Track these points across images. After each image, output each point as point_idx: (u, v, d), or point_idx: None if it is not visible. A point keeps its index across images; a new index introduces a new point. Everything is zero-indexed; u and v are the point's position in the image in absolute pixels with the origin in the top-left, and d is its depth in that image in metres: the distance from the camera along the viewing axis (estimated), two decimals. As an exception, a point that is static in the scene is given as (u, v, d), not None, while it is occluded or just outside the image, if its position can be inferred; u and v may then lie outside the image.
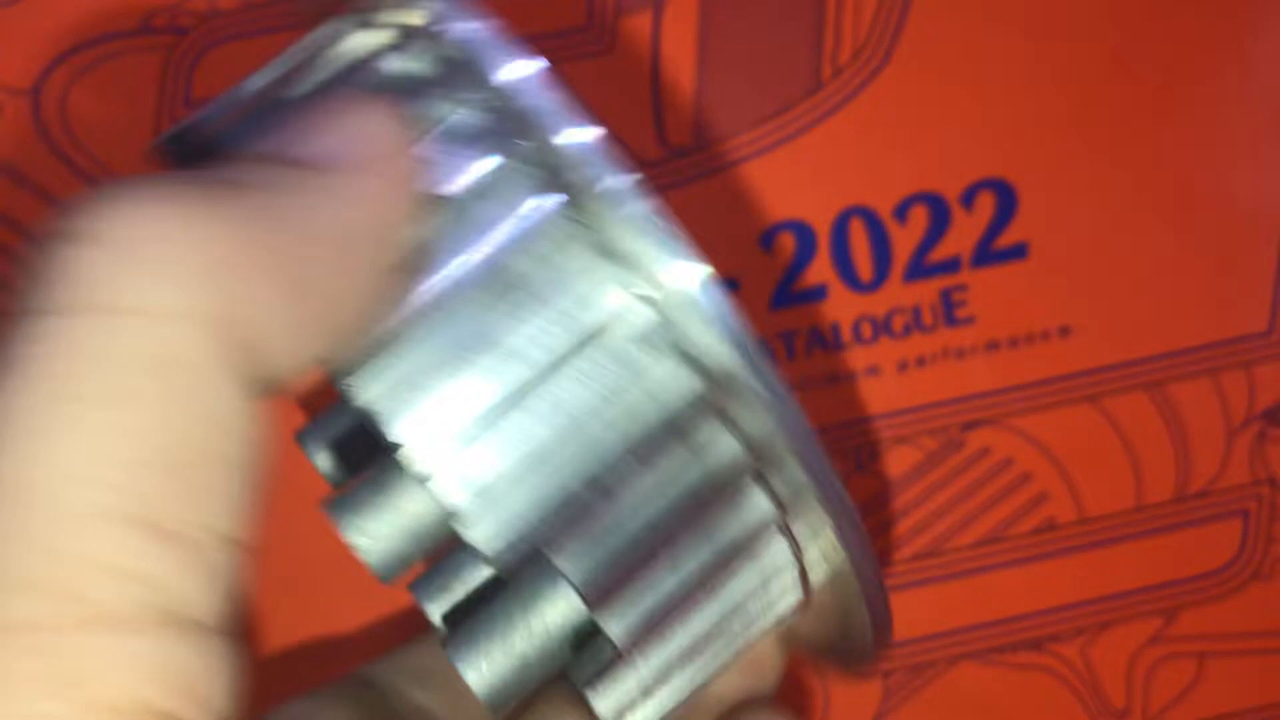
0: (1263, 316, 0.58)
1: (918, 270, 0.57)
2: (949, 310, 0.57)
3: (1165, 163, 0.58)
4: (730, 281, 0.56)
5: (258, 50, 0.52)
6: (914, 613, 0.56)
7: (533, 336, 0.29)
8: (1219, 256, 0.58)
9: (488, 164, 0.30)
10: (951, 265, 0.57)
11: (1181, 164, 0.58)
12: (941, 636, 0.56)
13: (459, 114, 0.30)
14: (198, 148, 0.30)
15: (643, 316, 0.29)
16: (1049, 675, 0.56)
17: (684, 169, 0.56)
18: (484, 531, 0.29)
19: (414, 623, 0.46)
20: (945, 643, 0.56)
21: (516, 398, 0.29)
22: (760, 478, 0.31)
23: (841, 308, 0.57)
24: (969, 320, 0.57)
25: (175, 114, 0.52)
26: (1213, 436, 0.57)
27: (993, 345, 0.57)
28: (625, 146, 0.57)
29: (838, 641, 0.37)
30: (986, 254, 0.57)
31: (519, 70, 0.30)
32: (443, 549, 0.31)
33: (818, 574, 0.33)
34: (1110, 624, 0.56)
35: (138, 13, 0.53)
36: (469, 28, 0.30)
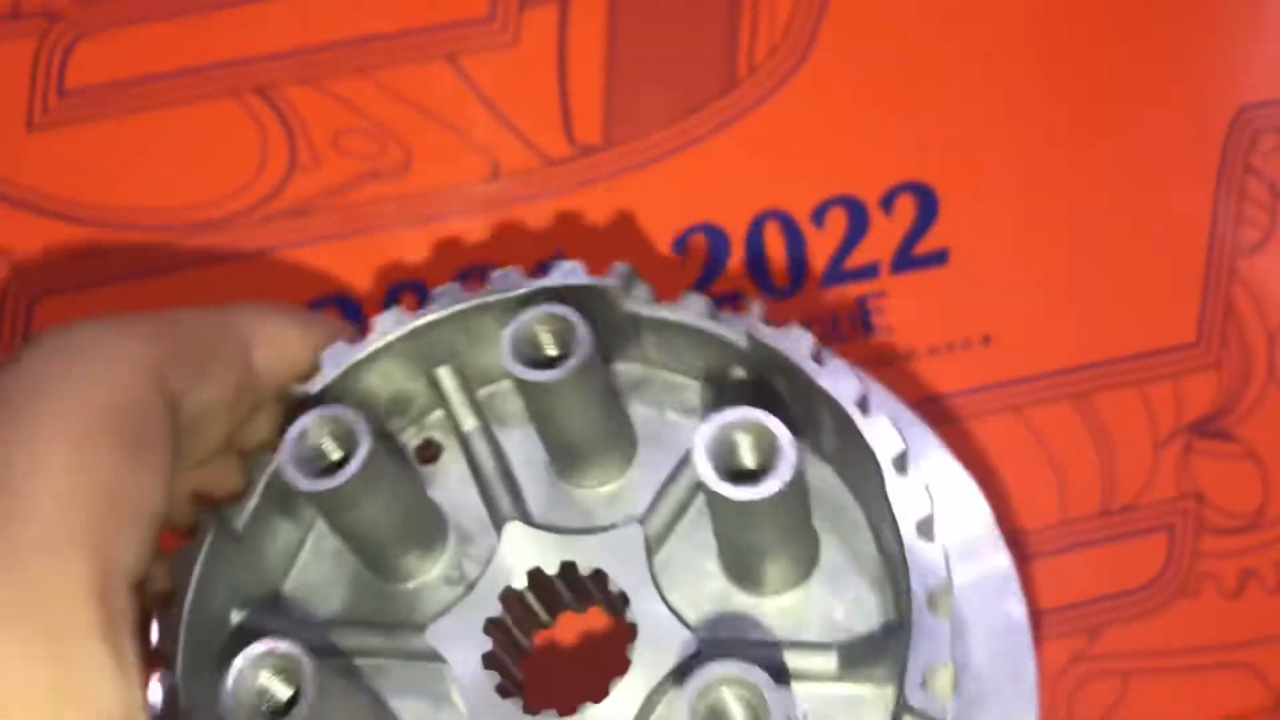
0: (1190, 328, 0.56)
1: (835, 276, 0.55)
2: (866, 316, 0.55)
3: (1091, 169, 0.57)
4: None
5: (132, 40, 0.50)
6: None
7: None
8: (1146, 266, 0.56)
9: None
10: (870, 271, 0.55)
11: (1108, 171, 0.57)
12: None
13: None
14: None
15: None
16: (969, 695, 0.54)
17: (593, 168, 0.54)
18: None
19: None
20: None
21: None
22: None
23: (757, 314, 0.55)
24: (888, 329, 0.55)
25: (48, 102, 0.50)
26: (1139, 449, 0.55)
27: (911, 354, 0.55)
28: (531, 144, 0.55)
29: None
30: (906, 260, 0.55)
31: None
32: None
33: None
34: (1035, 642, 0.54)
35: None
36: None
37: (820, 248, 0.55)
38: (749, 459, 0.36)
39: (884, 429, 0.37)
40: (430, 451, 0.44)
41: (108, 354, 0.34)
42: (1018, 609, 0.40)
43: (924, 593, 0.35)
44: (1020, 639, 0.41)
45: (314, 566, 0.42)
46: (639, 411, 0.43)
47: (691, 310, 0.40)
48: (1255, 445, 0.56)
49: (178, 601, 0.37)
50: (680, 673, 0.38)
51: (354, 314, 0.53)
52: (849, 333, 0.55)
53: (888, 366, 0.55)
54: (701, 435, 0.35)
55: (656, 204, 0.54)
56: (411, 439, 0.44)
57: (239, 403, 0.38)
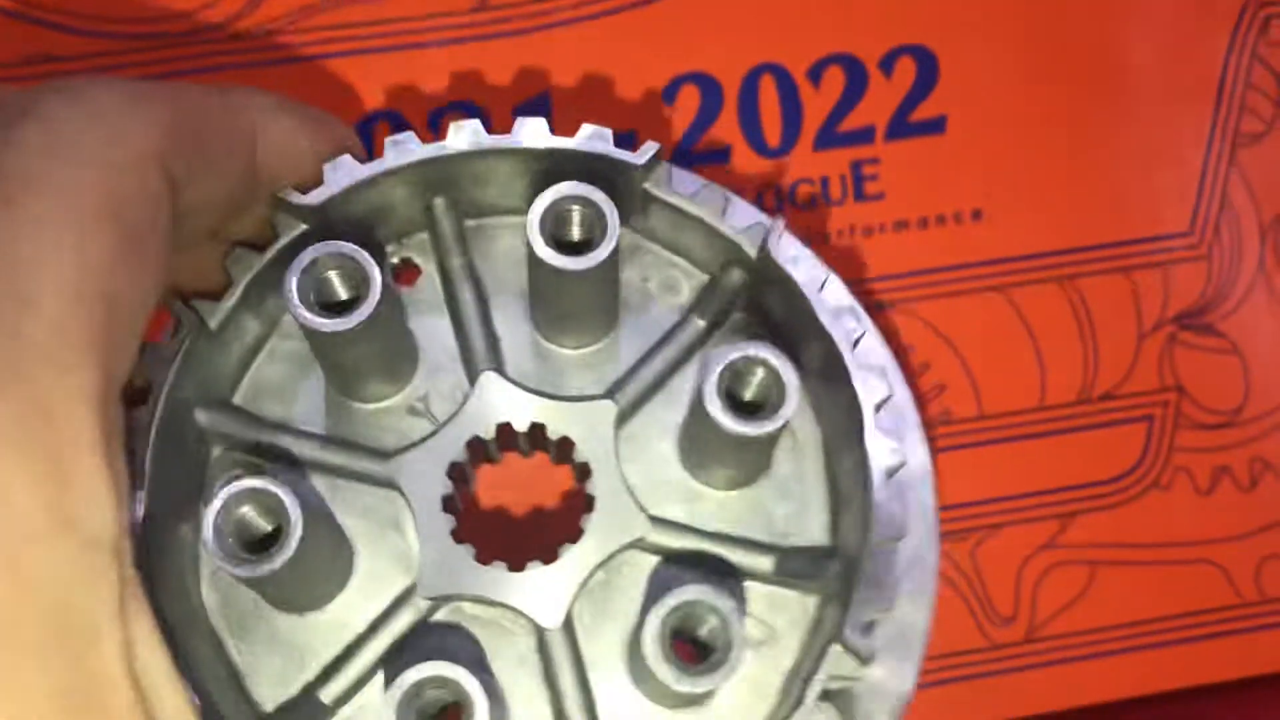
0: (1184, 216, 0.55)
1: (829, 138, 0.53)
2: (859, 183, 0.53)
3: (1096, 49, 0.54)
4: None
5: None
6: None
7: None
8: (1144, 150, 0.55)
9: None
10: (865, 135, 0.53)
11: (1113, 50, 0.55)
12: (826, 529, 0.52)
13: None
14: None
15: None
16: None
17: (580, 4, 0.51)
18: None
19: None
20: (829, 536, 0.52)
21: None
22: None
23: (745, 173, 0.53)
24: (879, 196, 0.53)
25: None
26: (1123, 337, 0.54)
27: (901, 224, 0.53)
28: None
29: None
30: (903, 126, 0.53)
31: None
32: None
33: None
34: (1003, 526, 0.53)
35: None
36: None
37: (815, 108, 0.53)
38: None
39: (873, 381, 0.38)
40: (408, 273, 0.42)
41: (117, 133, 0.31)
42: (929, 499, 0.41)
43: (882, 543, 0.37)
44: (929, 525, 0.41)
45: (272, 368, 0.41)
46: (627, 278, 0.42)
47: (709, 206, 0.40)
48: (1240, 341, 0.55)
49: (152, 401, 0.36)
50: (633, 547, 0.40)
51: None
52: (840, 199, 0.53)
53: (876, 236, 0.53)
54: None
55: (647, 48, 0.52)
56: (391, 254, 0.42)
57: (235, 197, 0.35)
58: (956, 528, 0.53)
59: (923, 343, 0.53)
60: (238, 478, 0.35)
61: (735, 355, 0.36)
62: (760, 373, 0.36)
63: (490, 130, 0.39)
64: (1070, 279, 0.54)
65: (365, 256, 0.36)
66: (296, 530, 0.34)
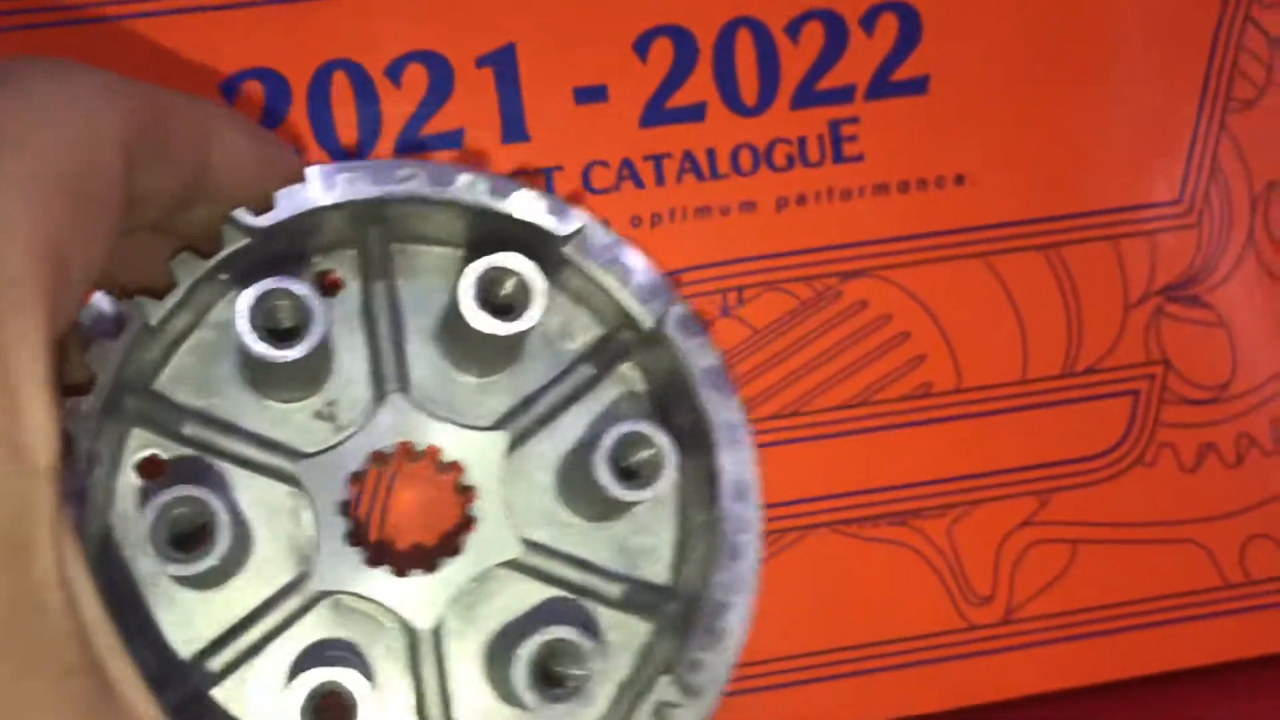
0: (1173, 184, 0.53)
1: (807, 97, 0.51)
2: (837, 145, 0.51)
3: (1087, 5, 0.52)
4: (596, 89, 0.50)
5: None
6: (771, 475, 0.50)
7: None
8: (1133, 115, 0.53)
9: None
10: (844, 94, 0.51)
11: (1100, 11, 0.53)
12: (799, 503, 0.51)
13: None
14: None
15: None
16: (911, 553, 0.51)
17: (552, -50, 0.49)
18: None
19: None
20: (802, 509, 0.51)
21: None
22: None
23: (720, 131, 0.50)
24: (858, 158, 0.51)
25: None
26: (1108, 309, 0.52)
27: (881, 188, 0.51)
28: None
29: None
30: (883, 85, 0.51)
31: None
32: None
33: None
34: (981, 503, 0.51)
35: None
36: None
37: (793, 64, 0.51)
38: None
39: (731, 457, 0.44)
40: (333, 281, 0.45)
41: (92, 112, 0.33)
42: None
43: (719, 599, 0.43)
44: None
45: (193, 358, 0.44)
46: None
47: (621, 277, 0.44)
48: (1228, 314, 0.53)
49: (98, 391, 0.39)
50: (504, 566, 0.44)
51: (282, 91, 0.48)
52: (818, 161, 0.51)
53: (855, 200, 0.51)
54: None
55: (619, -2, 0.50)
56: (317, 264, 0.45)
57: (182, 193, 0.38)
58: (933, 504, 0.51)
59: (902, 311, 0.51)
60: (159, 473, 0.42)
61: (629, 429, 0.41)
62: (645, 453, 0.42)
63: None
64: (1055, 247, 0.52)
65: (314, 299, 0.39)
66: (226, 535, 0.39)
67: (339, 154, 0.48)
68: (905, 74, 0.51)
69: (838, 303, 0.51)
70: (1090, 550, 0.52)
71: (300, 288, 0.39)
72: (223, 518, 0.39)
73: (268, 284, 0.39)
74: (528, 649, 0.40)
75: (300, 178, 0.42)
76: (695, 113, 0.50)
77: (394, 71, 0.49)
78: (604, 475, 0.41)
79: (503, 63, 0.49)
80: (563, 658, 0.41)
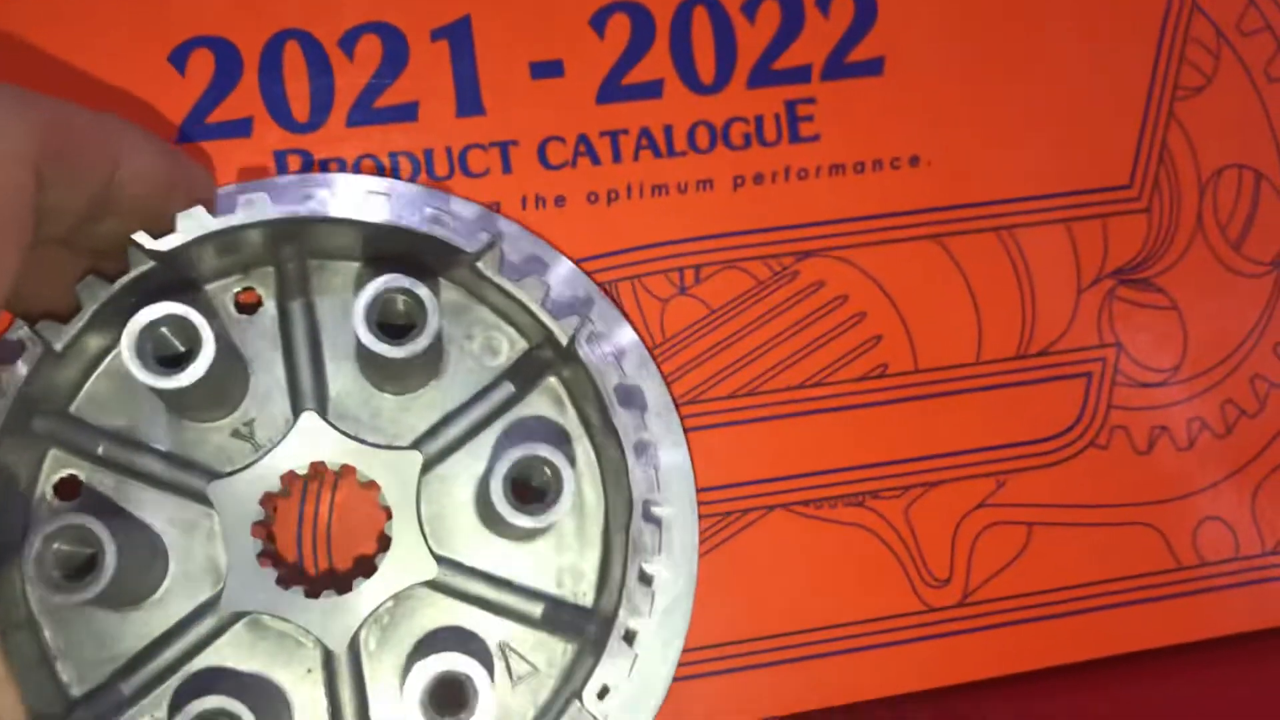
0: (1124, 170, 0.53)
1: (764, 76, 0.51)
2: (794, 124, 0.51)
3: (1038, -4, 0.53)
4: (551, 64, 0.49)
5: None
6: (726, 456, 0.50)
7: None
8: (1085, 100, 0.53)
9: None
10: (801, 74, 0.51)
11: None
12: (755, 484, 0.50)
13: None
14: None
15: None
16: (869, 535, 0.50)
17: (508, -75, 0.49)
18: None
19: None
20: (758, 490, 0.50)
21: None
22: None
23: (677, 109, 0.50)
24: (814, 138, 0.51)
25: None
26: (1062, 291, 0.52)
27: (837, 169, 0.51)
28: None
29: None
30: (839, 66, 0.51)
31: None
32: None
33: None
34: (938, 484, 0.51)
35: None
36: None
37: (750, 43, 0.51)
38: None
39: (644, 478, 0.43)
40: (250, 300, 0.45)
41: (2, 129, 0.34)
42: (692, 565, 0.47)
43: (624, 625, 0.42)
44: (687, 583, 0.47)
45: (108, 382, 0.44)
46: (452, 333, 0.46)
47: (535, 294, 0.44)
48: (1178, 297, 0.53)
49: (3, 403, 0.40)
50: (425, 585, 0.44)
51: (233, 62, 0.47)
52: (774, 140, 0.51)
53: (811, 180, 0.51)
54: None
55: (577, -28, 0.49)
56: (235, 285, 0.45)
57: (89, 209, 0.38)
58: (891, 485, 0.51)
59: (858, 291, 0.51)
60: (78, 493, 0.42)
61: (522, 454, 0.41)
62: (546, 471, 0.42)
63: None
64: (1009, 229, 0.52)
65: (199, 318, 0.39)
66: (110, 561, 0.38)
67: (291, 126, 0.48)
68: (861, 55, 0.51)
69: (794, 282, 0.51)
70: (1046, 532, 0.52)
71: (183, 310, 0.39)
72: (109, 546, 0.38)
73: (150, 313, 0.39)
74: (419, 678, 0.40)
75: (211, 195, 0.42)
76: (653, 89, 0.50)
77: (348, 43, 0.48)
78: (499, 499, 0.41)
79: (458, 35, 0.49)
80: (459, 688, 0.41)
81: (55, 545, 0.38)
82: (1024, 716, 0.52)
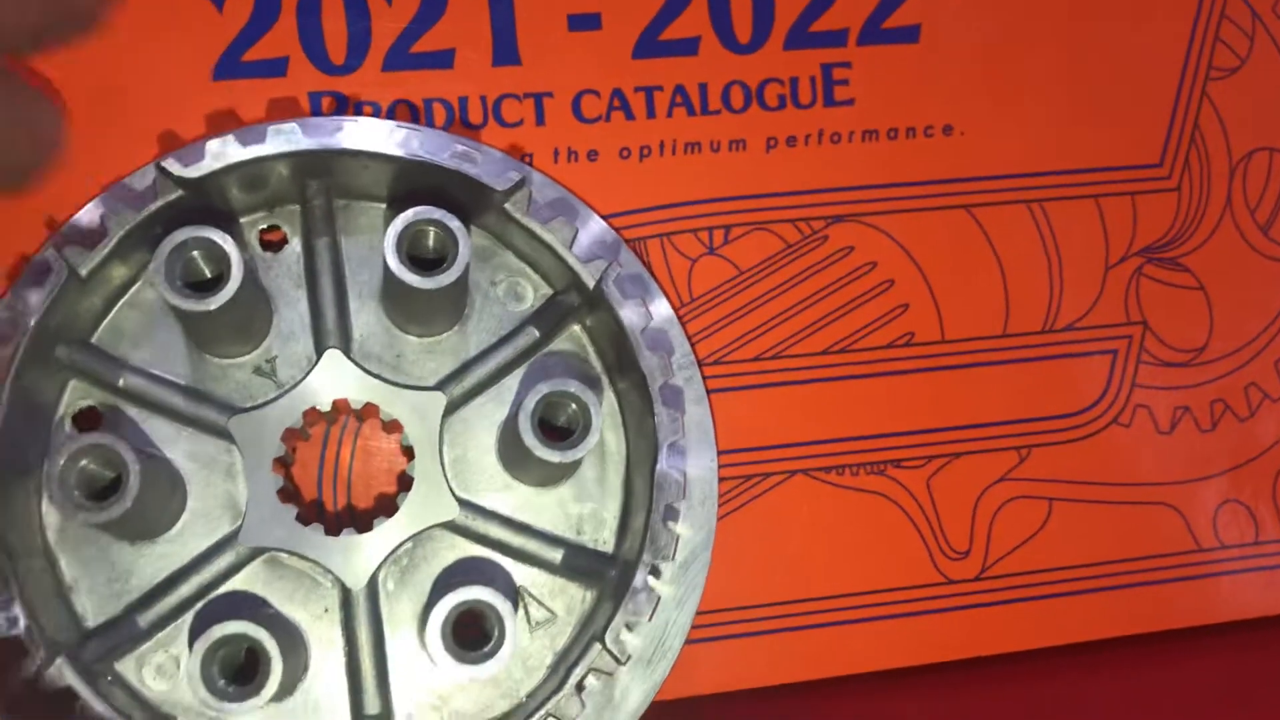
0: (1155, 148, 0.53)
1: (800, 38, 0.51)
2: (829, 88, 0.51)
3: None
4: (589, 17, 0.49)
5: None
6: (748, 418, 0.50)
7: None
8: (1119, 76, 0.53)
9: None
10: (837, 38, 0.51)
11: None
12: (777, 448, 0.50)
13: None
14: None
15: None
16: (890, 504, 0.50)
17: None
18: None
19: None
20: (780, 454, 0.50)
21: None
22: None
23: (713, 67, 0.50)
24: (848, 102, 0.51)
25: None
26: (1089, 267, 0.52)
27: (870, 134, 0.51)
28: None
29: None
30: (876, 31, 0.51)
31: None
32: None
33: None
34: (960, 455, 0.51)
35: None
36: None
37: (788, 4, 0.50)
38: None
39: (670, 419, 0.43)
40: (276, 239, 0.45)
41: None
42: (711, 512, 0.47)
43: (651, 564, 0.42)
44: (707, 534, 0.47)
45: (131, 313, 0.44)
46: (478, 279, 0.45)
47: (563, 236, 0.44)
48: (1205, 278, 0.53)
49: (18, 335, 0.39)
50: (442, 527, 0.44)
51: (271, 1, 0.47)
52: (809, 103, 0.50)
53: (844, 145, 0.51)
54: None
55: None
56: (260, 221, 0.45)
57: None
58: (913, 454, 0.51)
59: (887, 258, 0.51)
60: (99, 425, 0.42)
61: (549, 389, 0.41)
62: (571, 406, 0.41)
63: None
64: (1039, 202, 0.52)
65: (230, 243, 0.39)
66: (134, 482, 0.38)
67: (327, 68, 0.47)
68: (897, 21, 0.51)
69: (823, 246, 0.50)
70: (1066, 509, 0.52)
71: (215, 234, 0.39)
72: (132, 465, 0.38)
73: (184, 233, 0.39)
74: (442, 609, 0.40)
75: (59, 137, 0.42)
76: (689, 46, 0.50)
77: (386, -14, 0.48)
78: (527, 433, 0.40)
79: (499, -19, 0.49)
80: (486, 617, 0.41)
81: (81, 463, 0.38)
82: (1035, 696, 0.52)
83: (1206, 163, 0.53)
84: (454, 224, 0.40)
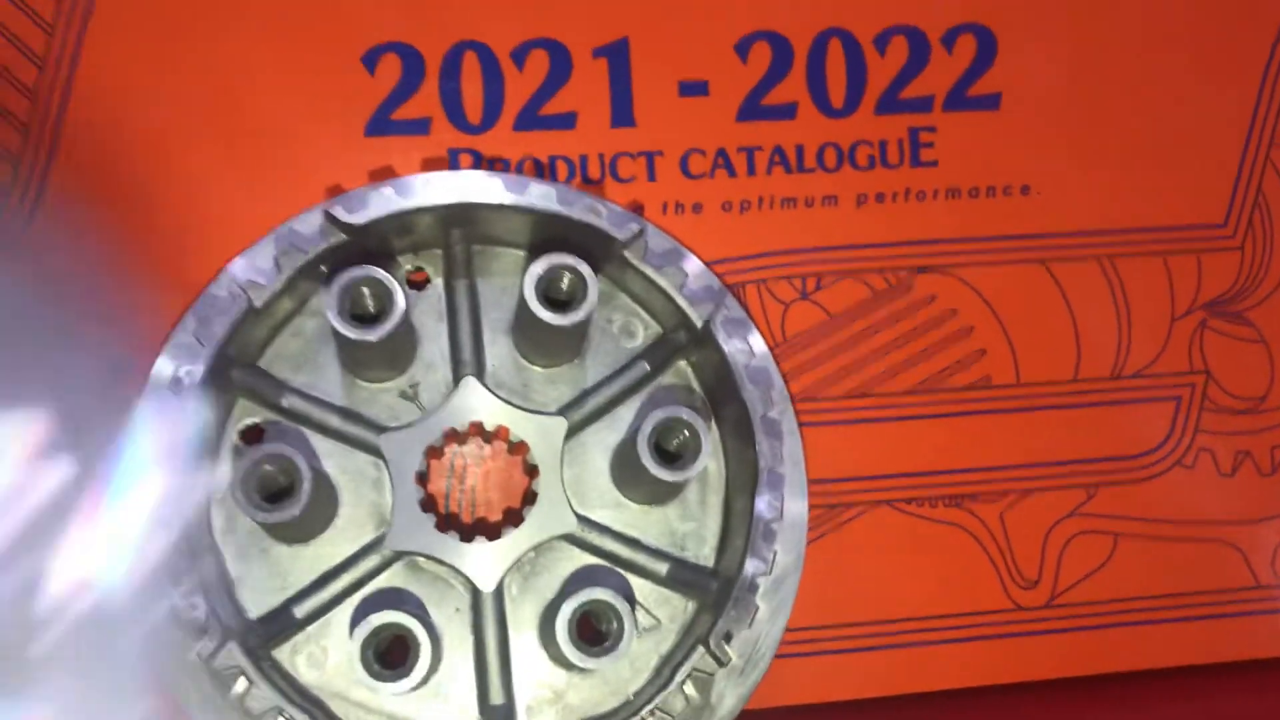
0: (1219, 208, 0.57)
1: (890, 104, 0.55)
2: (915, 150, 0.55)
3: (1147, 41, 0.57)
4: (698, 84, 0.54)
5: None
6: (837, 452, 0.54)
7: None
8: (1186, 141, 0.57)
9: None
10: (924, 104, 0.55)
11: (1163, 44, 0.57)
12: (862, 480, 0.54)
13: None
14: None
15: None
16: (965, 535, 0.54)
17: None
18: None
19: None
20: (865, 486, 0.54)
21: None
22: None
23: (809, 130, 0.55)
24: (933, 163, 0.55)
25: None
26: (1156, 318, 0.56)
27: (953, 192, 0.55)
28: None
29: None
30: (960, 99, 0.56)
31: None
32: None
33: None
34: (1032, 491, 0.55)
35: None
36: None
37: (879, 74, 0.55)
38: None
39: (769, 447, 0.48)
40: (419, 279, 0.51)
41: None
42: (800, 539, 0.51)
43: (751, 577, 0.47)
44: (797, 557, 0.51)
45: (294, 340, 0.50)
46: (595, 316, 0.50)
47: (675, 280, 0.49)
48: (1267, 332, 0.57)
49: (206, 358, 0.46)
50: (561, 539, 0.49)
51: (418, 66, 0.53)
52: (897, 163, 0.55)
53: (929, 201, 0.55)
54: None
55: (723, 3, 0.54)
56: (407, 262, 0.51)
57: None
58: (988, 489, 0.55)
59: (967, 307, 0.55)
60: (261, 439, 0.47)
61: (664, 415, 0.46)
62: (684, 433, 0.46)
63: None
64: (1109, 258, 0.56)
65: (393, 282, 0.45)
66: (306, 489, 0.43)
67: (465, 127, 0.53)
68: (980, 90, 0.56)
69: (908, 295, 0.55)
70: (1130, 543, 0.55)
71: (382, 274, 0.45)
72: (305, 473, 0.43)
73: (356, 272, 0.45)
74: (570, 606, 0.45)
75: None
76: (787, 111, 0.55)
77: (519, 55, 0.53)
78: (645, 454, 0.45)
79: (617, 55, 0.54)
80: (602, 618, 0.46)
81: (262, 468, 0.43)
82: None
83: (1270, 223, 0.57)
84: (585, 270, 0.46)
